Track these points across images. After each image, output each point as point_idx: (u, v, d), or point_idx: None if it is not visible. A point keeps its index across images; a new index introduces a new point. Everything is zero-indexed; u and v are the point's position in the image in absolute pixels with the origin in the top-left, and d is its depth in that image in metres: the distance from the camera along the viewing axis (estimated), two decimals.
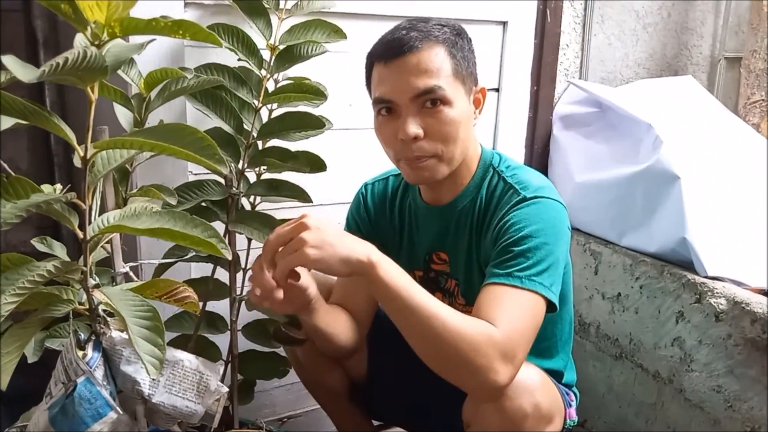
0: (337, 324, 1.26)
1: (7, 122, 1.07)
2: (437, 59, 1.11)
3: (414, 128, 1.10)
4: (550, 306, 1.08)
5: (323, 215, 1.33)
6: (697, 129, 1.83)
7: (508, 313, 1.02)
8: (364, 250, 0.99)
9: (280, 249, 0.99)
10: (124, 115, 1.21)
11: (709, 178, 1.68)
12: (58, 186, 0.99)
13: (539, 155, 2.08)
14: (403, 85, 1.10)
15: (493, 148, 1.92)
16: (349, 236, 1.02)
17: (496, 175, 1.22)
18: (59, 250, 1.12)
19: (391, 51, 1.12)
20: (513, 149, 1.99)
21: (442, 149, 1.13)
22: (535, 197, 1.14)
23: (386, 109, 1.15)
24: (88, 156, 0.77)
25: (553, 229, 1.11)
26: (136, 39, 0.91)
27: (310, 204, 1.41)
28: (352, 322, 1.30)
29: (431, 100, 1.11)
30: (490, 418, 1.06)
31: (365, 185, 1.41)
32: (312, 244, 0.96)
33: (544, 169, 2.06)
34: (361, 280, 1.32)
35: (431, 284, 1.31)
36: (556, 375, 1.28)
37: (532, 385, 1.07)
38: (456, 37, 1.15)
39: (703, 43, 2.34)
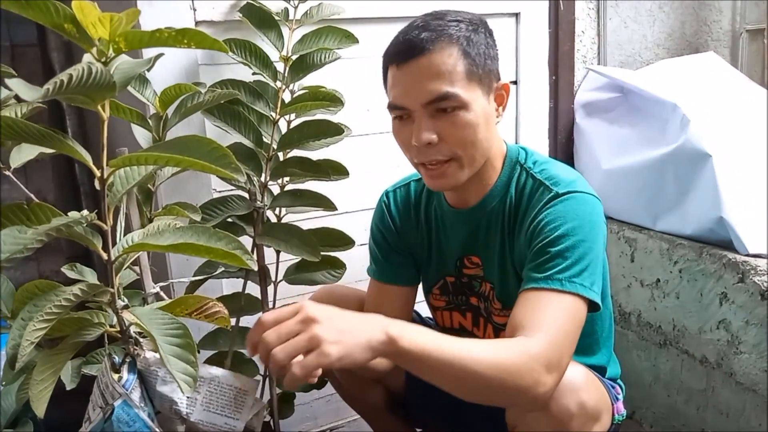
0: None
1: (30, 152, 1.09)
2: (450, 61, 1.06)
3: (427, 135, 1.06)
4: (592, 305, 1.04)
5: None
6: (724, 105, 1.78)
7: (550, 321, 0.98)
8: (379, 326, 0.89)
9: (287, 349, 0.82)
10: (143, 136, 1.22)
11: (741, 153, 1.63)
12: (85, 212, 0.99)
13: (563, 145, 2.04)
14: (415, 91, 1.07)
15: (516, 142, 1.89)
16: (356, 315, 0.91)
17: (524, 172, 1.18)
18: (89, 275, 1.12)
19: (403, 54, 1.08)
20: (536, 141, 1.97)
21: (460, 153, 1.09)
22: (568, 192, 1.09)
23: (400, 115, 1.12)
24: (105, 176, 0.77)
25: (589, 225, 1.07)
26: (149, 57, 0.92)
27: (335, 212, 1.40)
28: None
29: (445, 106, 1.07)
30: (536, 421, 1.02)
31: (386, 193, 1.36)
32: (330, 339, 0.83)
33: (569, 159, 2.03)
34: (392, 294, 1.32)
35: (465, 289, 1.28)
36: (599, 371, 1.24)
37: (577, 384, 1.03)
38: (472, 33, 1.09)
39: (723, 17, 2.28)
